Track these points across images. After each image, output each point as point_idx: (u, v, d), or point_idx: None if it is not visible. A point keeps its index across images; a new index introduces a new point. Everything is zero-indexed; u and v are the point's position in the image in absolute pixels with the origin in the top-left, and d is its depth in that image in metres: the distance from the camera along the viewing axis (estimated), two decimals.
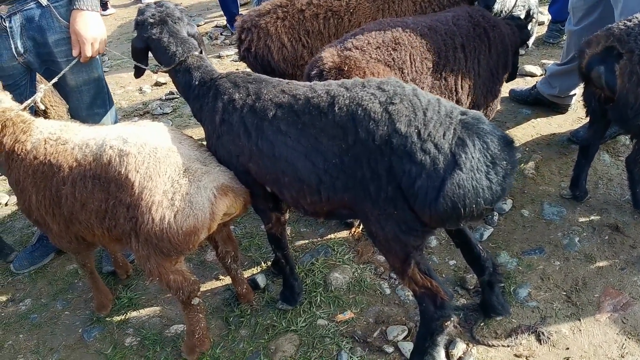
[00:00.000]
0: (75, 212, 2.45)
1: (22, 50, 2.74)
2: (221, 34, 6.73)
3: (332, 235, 3.40)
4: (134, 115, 5.14)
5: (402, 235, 2.09)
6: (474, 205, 1.94)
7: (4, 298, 3.29)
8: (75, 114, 3.03)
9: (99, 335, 2.91)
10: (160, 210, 2.19)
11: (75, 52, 2.75)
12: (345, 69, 2.60)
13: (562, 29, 5.44)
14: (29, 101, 2.65)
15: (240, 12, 6.74)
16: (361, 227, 3.40)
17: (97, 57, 2.93)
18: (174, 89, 5.67)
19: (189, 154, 2.35)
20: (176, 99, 5.46)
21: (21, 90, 2.90)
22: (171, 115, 5.09)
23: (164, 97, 5.41)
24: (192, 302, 2.50)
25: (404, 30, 2.83)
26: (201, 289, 2.98)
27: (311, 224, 3.52)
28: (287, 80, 2.38)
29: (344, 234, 3.39)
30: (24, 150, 2.52)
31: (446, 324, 2.30)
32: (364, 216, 2.15)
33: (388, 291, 2.96)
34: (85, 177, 2.36)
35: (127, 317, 2.99)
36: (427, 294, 2.24)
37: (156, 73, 2.76)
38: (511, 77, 3.55)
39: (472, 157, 1.93)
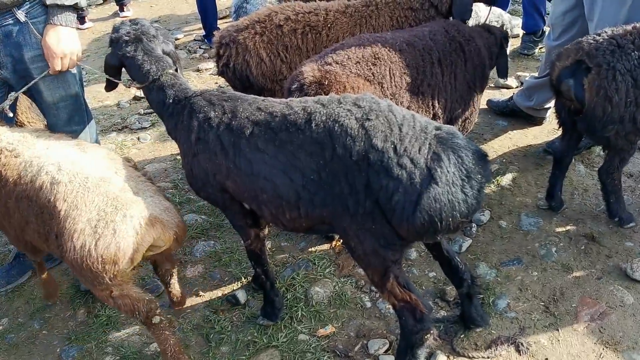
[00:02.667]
0: (22, 226, 2.51)
1: None
2: (200, 47, 6.72)
3: (313, 249, 3.40)
4: (112, 130, 5.09)
5: (381, 249, 2.11)
6: (450, 219, 1.97)
7: None
8: (52, 131, 3.00)
9: (78, 355, 2.87)
10: (81, 237, 2.20)
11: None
12: (326, 83, 2.63)
13: (536, 40, 5.57)
14: None
15: (218, 27, 6.75)
16: (341, 240, 3.41)
17: (75, 73, 2.91)
18: None
19: (121, 184, 2.35)
20: (155, 113, 5.43)
21: None
22: (150, 130, 5.06)
23: (142, 112, 5.38)
24: (153, 321, 2.47)
25: (383, 46, 2.88)
26: (185, 305, 3.03)
27: (292, 238, 3.52)
28: (262, 98, 2.39)
29: (325, 247, 3.40)
30: None
31: (426, 336, 2.31)
32: (342, 231, 2.17)
33: (369, 304, 2.97)
34: (24, 196, 2.41)
35: (106, 336, 2.95)
36: (407, 307, 2.26)
37: (129, 87, 2.75)
38: (504, 75, 3.59)
39: (448, 171, 1.96)
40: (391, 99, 2.83)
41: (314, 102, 2.17)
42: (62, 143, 2.57)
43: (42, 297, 3.19)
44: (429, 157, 1.97)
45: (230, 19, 7.42)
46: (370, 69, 2.79)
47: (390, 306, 2.84)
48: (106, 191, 2.27)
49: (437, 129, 2.07)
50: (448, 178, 1.95)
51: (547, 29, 5.65)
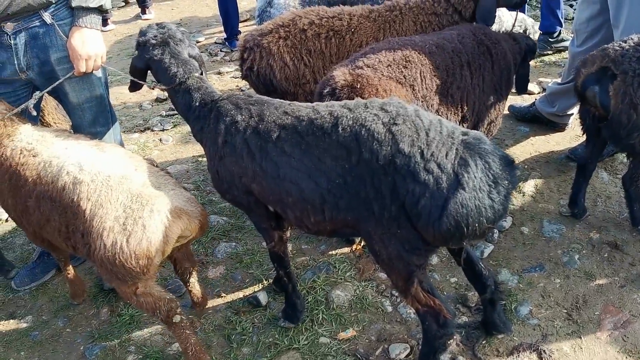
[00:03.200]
0: (42, 225, 2.55)
1: (25, 67, 2.77)
2: (221, 51, 6.78)
3: (334, 252, 3.41)
4: (134, 132, 5.16)
5: (405, 254, 2.11)
6: (476, 224, 1.97)
7: (4, 315, 3.28)
8: (77, 132, 3.05)
9: (101, 353, 2.91)
10: (111, 235, 2.24)
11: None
12: (358, 86, 2.65)
13: (551, 41, 5.60)
14: (20, 107, 2.70)
15: (239, 30, 6.81)
16: (362, 243, 3.42)
17: (100, 75, 2.96)
18: None
19: (142, 180, 2.40)
20: (177, 115, 5.48)
21: (21, 101, 2.91)
22: (172, 132, 5.12)
23: (164, 114, 5.44)
24: (174, 320, 2.51)
25: (413, 48, 2.90)
26: (207, 306, 3.05)
27: (312, 241, 3.53)
28: (288, 102, 2.41)
29: (345, 250, 3.41)
30: (4, 155, 2.62)
31: (449, 342, 2.32)
32: (367, 235, 2.17)
33: (390, 309, 2.97)
34: (45, 196, 2.45)
35: (129, 335, 2.99)
36: (430, 312, 2.26)
37: (153, 89, 2.79)
38: (522, 89, 3.60)
39: (475, 177, 1.96)
40: (422, 102, 2.85)
41: (340, 106, 2.18)
42: (80, 143, 2.62)
43: (70, 297, 3.24)
44: (456, 162, 1.97)
45: (251, 22, 7.50)
46: (402, 71, 2.81)
47: (411, 311, 2.87)
48: (129, 188, 2.31)
49: (464, 134, 2.07)
50: (475, 183, 1.95)
51: (564, 31, 5.65)
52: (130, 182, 2.33)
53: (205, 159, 4.63)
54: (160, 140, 4.99)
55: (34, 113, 2.78)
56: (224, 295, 3.19)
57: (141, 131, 5.19)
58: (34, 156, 2.55)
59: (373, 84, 2.67)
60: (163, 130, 5.16)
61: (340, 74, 2.73)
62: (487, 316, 2.67)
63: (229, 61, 6.49)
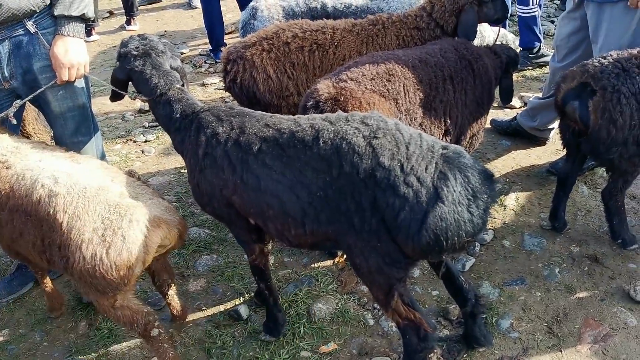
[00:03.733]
0: (14, 238, 2.53)
1: (8, 77, 2.75)
2: (205, 62, 6.77)
3: (316, 265, 3.40)
4: (117, 143, 5.12)
5: (386, 267, 2.11)
6: (455, 238, 1.98)
7: None
8: (59, 141, 3.02)
9: None
10: (90, 247, 2.22)
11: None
12: (342, 99, 2.66)
13: (531, 57, 5.70)
14: (0, 115, 2.68)
15: (225, 42, 6.81)
16: (345, 256, 3.41)
17: (83, 85, 2.94)
18: None
19: (119, 191, 2.38)
20: (160, 127, 5.45)
21: (3, 111, 2.87)
22: (154, 143, 5.08)
23: (147, 125, 5.40)
24: (152, 334, 2.48)
25: (396, 62, 2.92)
26: (187, 319, 3.02)
27: (294, 254, 3.52)
28: (270, 114, 2.41)
29: (328, 263, 3.40)
30: None
31: (429, 356, 2.31)
32: (347, 248, 2.17)
33: (372, 322, 2.96)
34: (19, 210, 2.42)
35: (107, 349, 2.94)
36: (411, 326, 2.25)
37: (134, 99, 2.78)
38: (507, 100, 3.64)
39: (454, 191, 1.97)
40: (405, 115, 2.86)
41: (321, 119, 2.19)
42: (55, 155, 2.60)
43: (47, 311, 3.18)
44: (435, 176, 1.98)
45: (236, 35, 7.50)
46: (385, 85, 2.82)
47: (393, 324, 2.86)
48: (106, 199, 2.29)
49: (444, 148, 2.08)
50: (454, 197, 1.96)
51: (545, 46, 5.74)
52: (107, 193, 2.31)
53: (186, 171, 4.62)
54: (143, 151, 4.95)
55: (14, 122, 2.75)
56: (204, 308, 3.16)
57: (123, 142, 5.15)
58: (7, 168, 2.52)
59: (356, 97, 2.68)
60: (145, 141, 5.13)
61: (324, 87, 2.74)
62: (468, 329, 2.67)
63: (213, 73, 6.48)
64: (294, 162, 2.13)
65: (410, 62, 3.02)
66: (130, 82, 2.77)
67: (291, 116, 2.33)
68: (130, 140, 5.16)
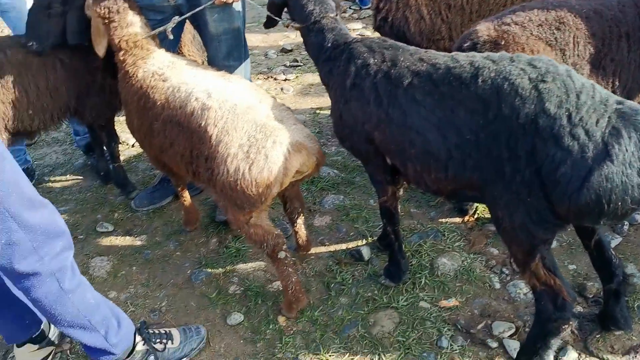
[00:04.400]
0: (165, 148, 2.65)
1: None
2: (350, 7, 6.70)
3: (444, 220, 3.28)
4: (258, 78, 5.26)
5: (532, 225, 1.95)
6: (619, 203, 1.76)
7: (122, 231, 3.51)
8: (211, 63, 3.14)
9: (206, 279, 3.03)
10: (235, 162, 2.27)
11: None
12: (502, 43, 2.47)
13: None
14: (159, 29, 2.82)
15: None
16: (475, 215, 3.26)
17: (240, 9, 2.99)
18: (299, 57, 5.74)
19: (266, 112, 2.40)
20: (300, 67, 5.52)
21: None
22: (293, 82, 5.15)
23: (287, 64, 5.49)
24: (279, 256, 2.54)
25: (569, 11, 2.64)
26: (310, 252, 3.07)
27: (422, 206, 3.42)
28: (424, 49, 2.29)
29: (457, 220, 3.26)
30: (135, 76, 2.74)
31: (563, 327, 2.13)
32: (491, 199, 2.03)
33: (498, 285, 2.81)
34: (172, 120, 2.53)
35: (233, 267, 3.08)
36: (548, 292, 2.09)
37: (287, 26, 2.78)
38: None
39: (626, 150, 1.74)
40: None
41: (482, 57, 2.03)
42: (208, 72, 2.68)
43: (183, 223, 3.40)
44: (606, 131, 1.76)
45: None
46: (554, 33, 2.57)
47: (521, 291, 2.71)
48: (254, 118, 2.33)
49: (619, 103, 1.84)
50: (625, 157, 1.74)
51: None
52: (255, 113, 2.35)
53: (322, 112, 4.65)
54: (282, 89, 5.05)
55: (171, 37, 2.87)
56: (327, 244, 3.19)
57: (264, 79, 5.27)
58: (163, 81, 2.64)
59: (519, 42, 2.47)
60: (285, 79, 5.21)
61: (484, 29, 2.55)
62: (607, 309, 2.43)
63: (357, 19, 6.40)
64: (446, 100, 2.01)
65: (584, 13, 2.71)
66: (285, 9, 2.77)
67: (448, 53, 2.20)
68: (271, 77, 5.28)
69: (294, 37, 6.15)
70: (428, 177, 2.17)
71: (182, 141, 2.52)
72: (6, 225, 1.88)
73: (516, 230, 2.00)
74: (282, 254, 2.52)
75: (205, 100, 2.41)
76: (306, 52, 5.46)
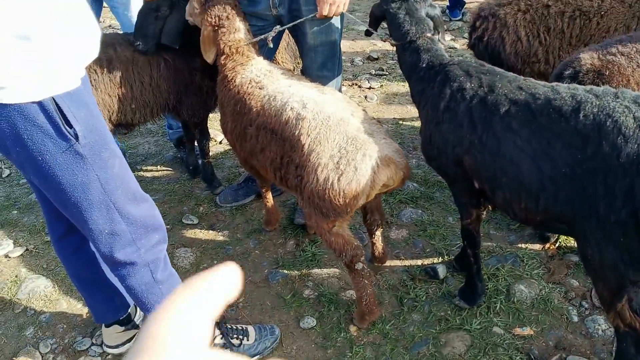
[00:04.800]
0: (256, 152, 2.74)
1: (277, 3, 3.00)
2: None
3: (523, 246, 3.23)
4: (342, 85, 5.32)
5: (622, 265, 1.91)
6: None
7: (206, 225, 3.68)
8: (305, 72, 3.24)
9: (282, 280, 3.13)
10: (325, 171, 2.33)
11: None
12: (607, 73, 2.41)
13: None
14: (260, 37, 2.93)
15: (463, 0, 6.59)
16: (557, 244, 3.18)
17: (339, 24, 3.08)
18: (385, 66, 5.77)
19: (357, 125, 2.45)
20: (385, 76, 5.56)
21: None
22: (377, 91, 5.19)
23: (373, 72, 5.53)
24: (356, 267, 2.58)
25: None
26: (384, 265, 3.11)
27: (502, 228, 3.38)
28: (523, 77, 2.27)
29: (537, 247, 3.20)
30: (234, 81, 2.84)
31: None
32: (582, 236, 2.00)
33: (576, 319, 2.74)
34: (266, 127, 2.61)
35: (308, 271, 3.17)
36: (632, 334, 2.04)
37: (384, 41, 2.83)
38: None
39: None
40: None
41: (585, 91, 2.00)
42: (302, 83, 2.76)
43: (263, 223, 3.53)
44: None
45: None
46: None
47: (600, 327, 2.64)
48: (346, 130, 2.40)
49: None
50: None
51: None
52: (347, 125, 2.42)
53: (404, 122, 4.67)
54: (366, 97, 5.10)
55: (271, 45, 2.99)
56: (402, 258, 3.21)
57: (349, 85, 5.34)
58: (260, 88, 2.74)
59: (625, 73, 2.40)
60: (370, 88, 5.26)
61: (588, 57, 2.50)
62: None
63: (446, 30, 6.34)
64: (544, 132, 1.99)
65: None
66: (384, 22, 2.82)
67: (548, 83, 2.17)
68: (356, 84, 5.33)
69: (380, 45, 6.19)
70: (517, 206, 2.16)
71: (273, 147, 2.61)
72: (111, 217, 2.04)
73: (605, 269, 1.96)
74: (359, 265, 2.57)
75: (300, 110, 2.50)
76: (392, 61, 5.50)
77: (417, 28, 2.60)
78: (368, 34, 3.00)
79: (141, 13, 3.32)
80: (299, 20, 2.93)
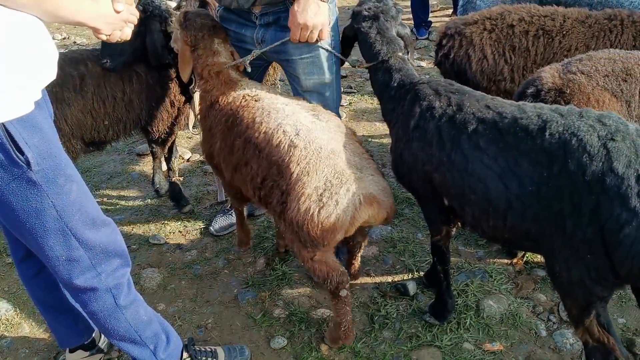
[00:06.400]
0: (240, 165, 2.66)
1: (260, 39, 2.87)
2: None
3: (491, 261, 3.26)
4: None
5: (590, 282, 1.93)
6: None
7: (173, 244, 3.62)
8: None
9: (252, 300, 3.08)
10: (307, 202, 2.28)
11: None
12: (567, 92, 2.47)
13: None
14: (238, 60, 2.85)
15: (429, 19, 6.71)
16: (524, 259, 3.23)
17: (332, 60, 2.91)
18: (353, 84, 5.81)
19: (348, 159, 2.40)
20: (353, 93, 5.59)
21: (254, 72, 3.01)
22: (347, 109, 5.22)
23: (342, 89, 5.54)
24: (340, 294, 2.52)
25: (636, 63, 2.63)
26: (356, 281, 3.10)
27: (470, 244, 3.41)
28: (491, 96, 2.31)
29: (504, 262, 3.24)
30: (225, 101, 2.76)
31: None
32: (549, 252, 2.02)
33: (544, 333, 2.77)
34: (252, 142, 2.54)
35: (279, 290, 3.13)
36: (601, 349, 2.06)
37: (354, 67, 2.82)
38: None
39: None
40: (636, 121, 2.58)
41: (550, 110, 2.04)
42: (299, 104, 2.67)
43: (236, 244, 3.45)
44: None
45: (441, 13, 7.36)
46: (620, 84, 2.56)
47: (568, 341, 2.69)
48: (335, 164, 2.35)
49: None
50: None
51: None
52: (337, 158, 2.37)
53: (373, 140, 4.70)
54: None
55: (249, 69, 2.87)
56: (372, 275, 3.21)
57: None
58: (256, 100, 2.66)
59: (585, 92, 2.47)
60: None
61: (549, 76, 2.56)
62: None
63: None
64: (511, 150, 2.02)
65: None
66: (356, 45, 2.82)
67: (514, 102, 2.21)
68: None
69: (347, 65, 6.23)
70: (486, 223, 2.18)
71: (255, 165, 2.55)
72: (67, 243, 1.98)
73: (573, 285, 1.98)
74: (344, 292, 2.51)
75: (292, 137, 2.42)
76: (360, 79, 5.55)
77: (388, 48, 2.62)
78: (340, 63, 2.96)
79: None
80: (271, 46, 2.78)
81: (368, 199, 2.31)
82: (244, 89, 2.76)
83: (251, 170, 2.58)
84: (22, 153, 1.74)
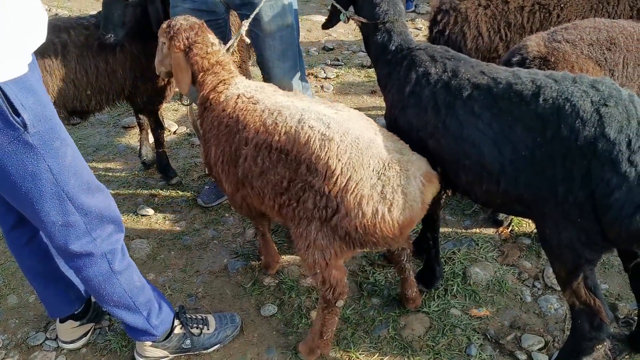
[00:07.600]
0: (251, 176, 2.40)
1: None
2: None
3: (478, 230, 3.32)
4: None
5: (579, 245, 1.98)
6: None
7: (161, 215, 3.60)
8: (265, 65, 3.10)
9: (242, 269, 3.10)
10: (371, 204, 2.09)
11: None
12: (552, 60, 2.49)
13: None
14: (232, 40, 2.78)
15: None
16: (510, 227, 3.29)
17: (294, 4, 2.99)
18: (340, 56, 5.78)
19: (386, 145, 2.20)
20: (340, 66, 5.57)
21: (222, 30, 3.07)
22: (334, 81, 5.21)
23: (329, 62, 5.54)
24: (337, 305, 2.38)
25: (621, 32, 2.66)
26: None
27: (457, 213, 3.47)
28: (486, 63, 2.32)
29: (490, 231, 3.30)
30: (216, 101, 2.52)
31: (598, 347, 2.17)
32: (540, 217, 2.07)
33: (529, 299, 2.85)
34: (270, 146, 2.28)
35: None
36: (587, 311, 2.13)
37: (346, 22, 2.74)
38: None
39: None
40: None
41: (545, 75, 2.06)
42: (304, 97, 2.48)
43: (262, 266, 3.11)
44: None
45: None
46: (604, 53, 2.59)
47: (552, 306, 2.77)
48: (378, 153, 2.15)
49: None
50: None
51: None
52: (377, 147, 2.17)
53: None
54: (322, 87, 5.10)
55: (248, 41, 2.84)
56: None
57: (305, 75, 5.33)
58: (254, 103, 2.40)
59: (569, 60, 2.49)
60: (325, 78, 5.27)
61: (534, 44, 2.58)
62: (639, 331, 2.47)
63: None
64: (505, 115, 2.04)
65: (636, 35, 2.73)
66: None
67: (510, 68, 2.23)
68: (312, 74, 5.33)
69: (335, 36, 6.21)
70: (479, 188, 2.21)
71: (280, 170, 2.26)
72: (64, 208, 1.96)
73: (563, 248, 2.03)
74: (340, 303, 2.38)
75: (324, 130, 2.17)
76: (347, 52, 5.50)
77: (394, 10, 2.56)
78: (328, 24, 2.90)
79: (106, 4, 3.14)
80: (258, 8, 2.82)
81: (427, 178, 2.18)
82: (238, 88, 2.51)
83: (273, 177, 2.30)
84: (18, 114, 1.72)
